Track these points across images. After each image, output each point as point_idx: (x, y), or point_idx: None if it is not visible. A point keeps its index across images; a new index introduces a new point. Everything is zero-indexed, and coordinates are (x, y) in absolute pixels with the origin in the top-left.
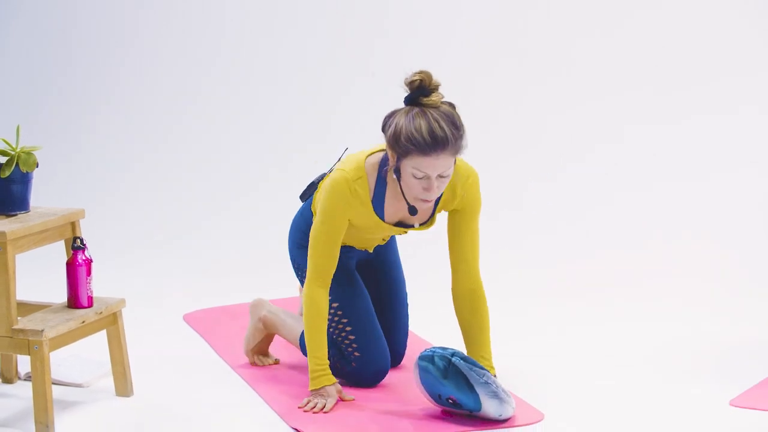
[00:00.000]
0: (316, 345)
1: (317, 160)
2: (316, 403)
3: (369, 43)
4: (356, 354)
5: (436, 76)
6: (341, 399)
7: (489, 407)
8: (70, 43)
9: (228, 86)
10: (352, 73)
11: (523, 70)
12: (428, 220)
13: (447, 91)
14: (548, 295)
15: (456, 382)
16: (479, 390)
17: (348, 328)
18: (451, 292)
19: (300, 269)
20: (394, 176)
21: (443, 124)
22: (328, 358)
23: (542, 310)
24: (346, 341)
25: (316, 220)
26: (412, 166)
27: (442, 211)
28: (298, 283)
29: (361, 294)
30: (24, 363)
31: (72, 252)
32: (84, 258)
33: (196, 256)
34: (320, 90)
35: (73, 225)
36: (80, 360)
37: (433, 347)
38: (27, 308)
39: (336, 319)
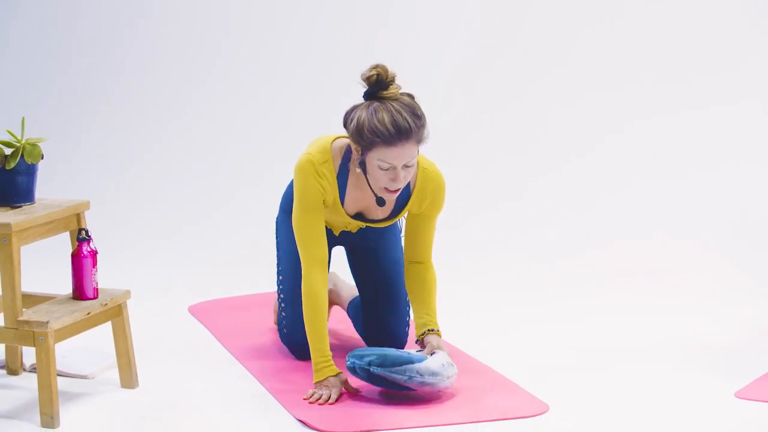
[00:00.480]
0: (317, 336)
1: None
2: (321, 395)
3: (371, 40)
4: (284, 322)
5: (392, 69)
6: (346, 390)
7: (429, 386)
8: (76, 34)
9: (234, 77)
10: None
11: (525, 64)
12: (388, 218)
13: (449, 86)
14: (552, 288)
15: (387, 385)
16: (409, 384)
17: (281, 296)
18: (404, 280)
19: (278, 232)
20: (359, 170)
21: (405, 114)
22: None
23: (547, 303)
24: (281, 306)
25: (294, 207)
26: (378, 158)
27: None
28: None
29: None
30: (29, 354)
31: (77, 243)
32: (89, 249)
33: (202, 248)
34: (327, 77)
35: (78, 216)
36: (85, 351)
37: (351, 354)
38: (32, 300)
39: (279, 293)
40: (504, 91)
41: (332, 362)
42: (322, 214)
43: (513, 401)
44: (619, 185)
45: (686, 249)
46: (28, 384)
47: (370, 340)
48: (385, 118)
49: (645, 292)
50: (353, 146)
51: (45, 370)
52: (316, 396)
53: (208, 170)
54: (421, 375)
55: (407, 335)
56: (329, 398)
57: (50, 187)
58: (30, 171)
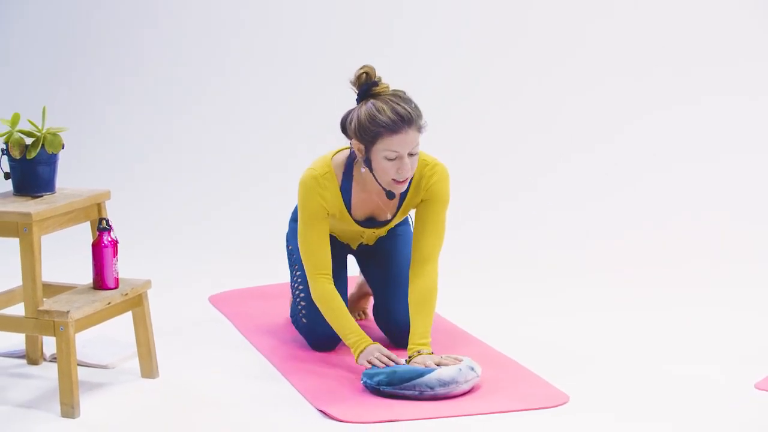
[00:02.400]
0: (345, 326)
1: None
2: (376, 358)
3: (376, 41)
4: (304, 321)
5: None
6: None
7: (443, 395)
8: (96, 24)
9: (251, 70)
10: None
11: (526, 63)
12: (396, 214)
13: (451, 86)
14: (571, 278)
15: (402, 398)
16: (421, 398)
17: (302, 295)
18: (409, 277)
19: (289, 241)
20: (364, 169)
21: (403, 104)
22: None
23: (566, 293)
24: (300, 305)
25: (299, 222)
26: (384, 149)
27: (411, 210)
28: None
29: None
30: (49, 344)
31: (98, 233)
32: (110, 239)
33: (222, 238)
34: (349, 62)
35: (99, 206)
36: (106, 341)
37: (364, 374)
38: (52, 289)
39: (297, 285)
40: (506, 88)
41: (364, 334)
42: (324, 225)
43: (533, 392)
44: (643, 172)
45: (709, 238)
46: (48, 374)
47: (383, 329)
48: (385, 108)
49: (662, 283)
50: (357, 146)
51: (65, 359)
52: (375, 363)
53: (230, 160)
54: (431, 388)
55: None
56: (382, 355)
57: (71, 177)
58: (51, 161)
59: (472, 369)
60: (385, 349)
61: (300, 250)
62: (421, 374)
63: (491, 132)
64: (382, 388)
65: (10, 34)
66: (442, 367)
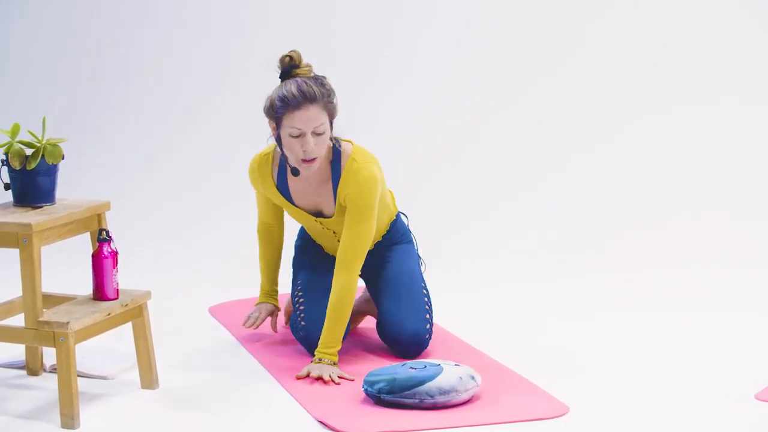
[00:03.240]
0: (262, 263)
1: None
2: (253, 317)
3: (376, 42)
4: (302, 323)
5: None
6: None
7: (443, 404)
8: (96, 34)
9: (253, 77)
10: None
11: (524, 65)
12: (337, 209)
13: (453, 86)
14: (569, 285)
15: (402, 407)
16: (421, 406)
17: (301, 299)
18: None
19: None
20: (278, 149)
21: (310, 83)
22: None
23: (564, 300)
24: (299, 309)
25: None
26: (288, 125)
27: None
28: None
29: (319, 277)
30: (49, 355)
31: (98, 244)
32: (110, 250)
33: (222, 248)
34: (347, 74)
35: (99, 217)
36: (105, 352)
37: (365, 380)
38: (52, 300)
39: (297, 292)
40: (506, 89)
41: (273, 294)
42: (266, 201)
43: (533, 402)
44: (644, 173)
45: (713, 243)
46: (48, 385)
47: (387, 342)
48: (291, 86)
49: (663, 285)
50: (270, 125)
51: (65, 370)
52: (251, 321)
53: (230, 169)
54: (431, 396)
55: (425, 332)
56: (257, 320)
57: (71, 188)
58: (51, 171)
59: (473, 378)
60: (267, 316)
61: None
62: (422, 382)
63: (490, 134)
64: (383, 396)
65: (9, 45)
66: (443, 375)
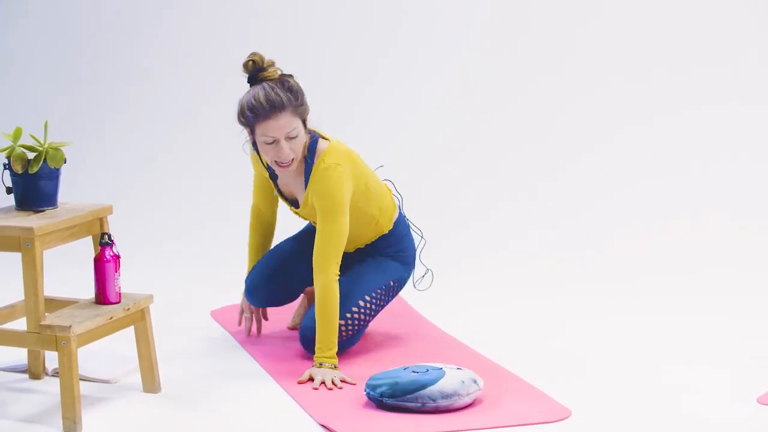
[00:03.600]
0: (249, 250)
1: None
2: (247, 317)
3: (381, 45)
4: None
5: (268, 56)
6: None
7: (445, 408)
8: (97, 38)
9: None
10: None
11: (524, 67)
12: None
13: (458, 84)
14: (570, 288)
15: (404, 410)
16: (423, 410)
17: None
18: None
19: None
20: (253, 151)
21: (278, 90)
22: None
23: (566, 303)
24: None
25: None
26: (261, 133)
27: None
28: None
29: (282, 247)
30: (52, 359)
31: (100, 248)
32: (112, 254)
33: (224, 252)
34: (348, 74)
35: (101, 221)
36: (108, 356)
37: (367, 384)
38: (55, 304)
39: None
40: (505, 92)
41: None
42: (262, 186)
43: (535, 406)
44: (638, 180)
45: (714, 246)
46: (50, 388)
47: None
48: (259, 94)
49: (663, 289)
50: (245, 129)
51: (67, 374)
52: (247, 323)
53: (231, 173)
54: (433, 400)
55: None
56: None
57: (73, 192)
58: (53, 175)
59: (475, 382)
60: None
61: None
62: (424, 386)
63: (490, 135)
64: (385, 400)
65: (11, 49)
66: (445, 379)
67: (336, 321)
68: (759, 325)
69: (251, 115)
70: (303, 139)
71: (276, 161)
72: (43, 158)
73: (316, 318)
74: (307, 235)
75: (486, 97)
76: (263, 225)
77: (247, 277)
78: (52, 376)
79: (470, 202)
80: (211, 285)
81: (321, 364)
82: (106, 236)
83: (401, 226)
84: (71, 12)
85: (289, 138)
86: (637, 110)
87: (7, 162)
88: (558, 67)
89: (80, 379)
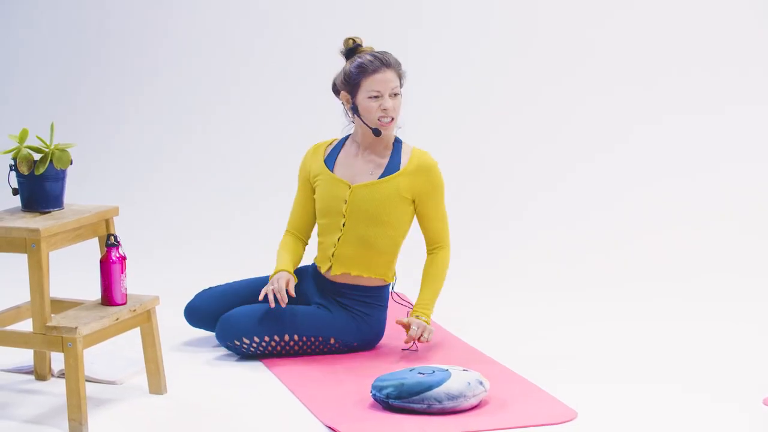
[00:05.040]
0: (279, 256)
1: None
2: (270, 290)
3: (391, 50)
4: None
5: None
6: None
7: (451, 409)
8: (104, 40)
9: (260, 85)
10: None
11: (539, 67)
12: (378, 179)
13: (464, 93)
14: (577, 290)
15: (409, 412)
16: (429, 411)
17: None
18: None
19: None
20: (353, 117)
21: (382, 52)
22: None
23: (572, 305)
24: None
25: None
26: (367, 89)
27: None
28: None
29: (257, 282)
30: (58, 360)
31: (106, 249)
32: (118, 255)
33: (230, 253)
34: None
35: (107, 222)
36: (113, 357)
37: (373, 385)
38: (61, 305)
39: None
40: (511, 99)
41: (287, 266)
42: (306, 192)
43: (541, 407)
44: (639, 185)
45: (720, 249)
46: (56, 389)
47: None
48: (366, 55)
49: (671, 294)
50: (345, 98)
51: (73, 375)
52: (269, 295)
53: (238, 175)
54: (439, 401)
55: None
56: (279, 288)
57: (79, 193)
58: (59, 177)
59: (481, 383)
60: (283, 282)
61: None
62: (430, 387)
63: (494, 141)
64: (391, 401)
65: (17, 51)
66: (451, 380)
67: (439, 286)
68: (763, 327)
69: (357, 72)
70: (400, 103)
71: (380, 117)
72: (49, 160)
73: (430, 281)
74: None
75: (491, 107)
76: (297, 246)
77: (194, 300)
78: (58, 377)
79: (479, 205)
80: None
81: (418, 317)
82: (113, 237)
83: (386, 296)
84: (78, 14)
85: (393, 96)
86: (636, 114)
87: (13, 163)
88: (561, 77)
89: (86, 381)
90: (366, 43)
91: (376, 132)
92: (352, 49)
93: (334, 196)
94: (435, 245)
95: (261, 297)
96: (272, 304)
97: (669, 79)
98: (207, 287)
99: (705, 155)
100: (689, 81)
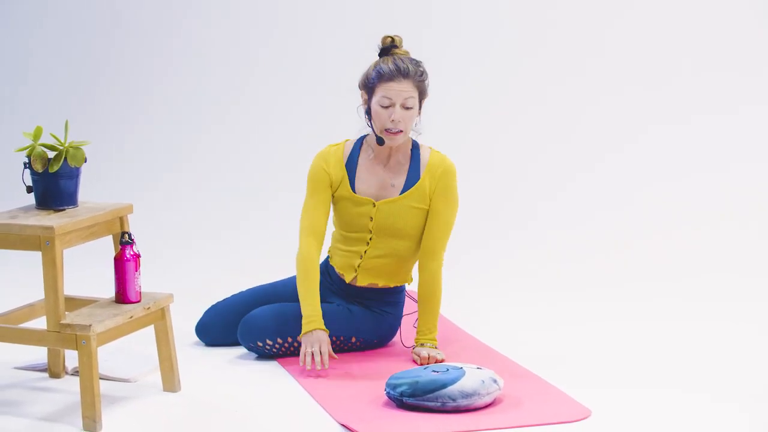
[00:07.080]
0: (309, 294)
1: None
2: (311, 353)
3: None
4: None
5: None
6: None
7: (465, 407)
8: (118, 38)
9: (273, 85)
10: None
11: (548, 67)
12: (401, 194)
13: (472, 95)
14: (589, 289)
15: (423, 410)
16: (443, 409)
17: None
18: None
19: None
20: (366, 118)
21: (406, 61)
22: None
23: (585, 304)
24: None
25: (306, 193)
26: (380, 95)
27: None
28: None
29: (265, 289)
30: (71, 358)
31: (120, 247)
32: (132, 253)
33: (244, 251)
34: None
35: (122, 220)
36: (128, 355)
37: (387, 383)
38: (75, 303)
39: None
40: (521, 98)
41: (321, 318)
42: (324, 195)
43: (554, 406)
44: (648, 182)
45: (729, 251)
46: (70, 387)
47: None
48: (389, 61)
49: (672, 294)
50: (363, 97)
51: (87, 373)
52: (307, 358)
53: (252, 173)
54: (453, 399)
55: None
56: (320, 355)
57: (93, 191)
58: (73, 174)
59: (495, 381)
60: (326, 346)
61: (300, 216)
62: (444, 385)
63: (505, 145)
64: (405, 399)
65: (32, 48)
66: (465, 378)
67: (438, 306)
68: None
69: (375, 76)
70: (415, 115)
71: (387, 128)
72: (63, 157)
73: (425, 305)
74: (271, 294)
75: (501, 103)
76: (314, 269)
77: (204, 317)
78: (72, 375)
79: (493, 203)
80: (231, 284)
81: (422, 345)
82: (127, 235)
83: (404, 294)
84: (92, 11)
85: (405, 107)
86: (637, 118)
87: (27, 161)
88: (566, 78)
89: (100, 378)
90: (402, 46)
91: (380, 141)
92: (386, 48)
93: (359, 213)
94: (427, 255)
95: (301, 363)
96: (312, 367)
97: (679, 80)
98: (214, 302)
99: (705, 156)
100: (697, 82)
